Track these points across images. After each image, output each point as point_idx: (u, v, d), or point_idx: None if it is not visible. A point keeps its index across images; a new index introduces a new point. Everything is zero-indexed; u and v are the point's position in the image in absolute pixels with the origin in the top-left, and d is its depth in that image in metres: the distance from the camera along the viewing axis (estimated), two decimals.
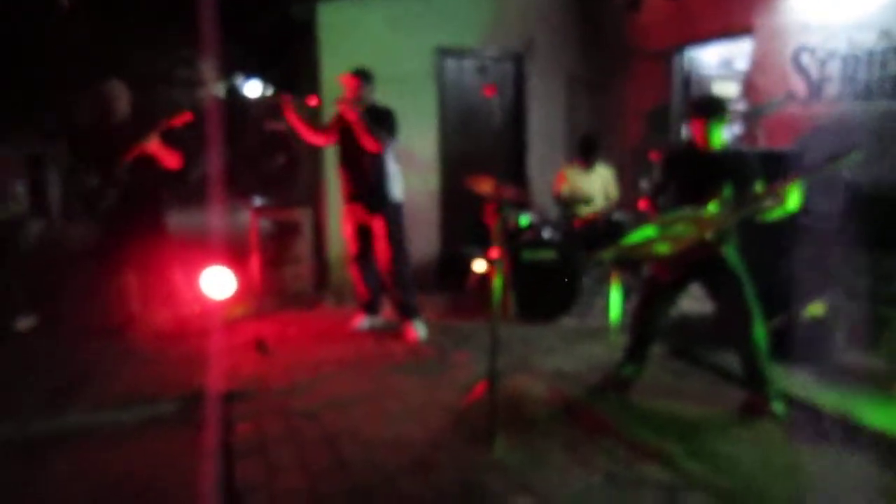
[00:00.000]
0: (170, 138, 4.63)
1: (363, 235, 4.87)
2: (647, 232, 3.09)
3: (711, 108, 3.48)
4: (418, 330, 4.84)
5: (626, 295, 5.17)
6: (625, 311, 4.91)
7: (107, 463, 3.07)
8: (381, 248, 4.78)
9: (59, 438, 3.34)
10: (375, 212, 4.75)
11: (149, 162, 4.56)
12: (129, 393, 3.87)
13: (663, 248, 3.19)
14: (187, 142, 4.83)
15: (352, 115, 4.52)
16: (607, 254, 3.07)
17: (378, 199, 4.74)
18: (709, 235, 3.35)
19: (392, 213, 4.77)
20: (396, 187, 4.80)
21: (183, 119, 4.63)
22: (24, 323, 5.09)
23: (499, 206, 3.31)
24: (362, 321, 5.11)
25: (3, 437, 3.36)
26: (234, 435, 3.29)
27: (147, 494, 2.82)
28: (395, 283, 4.83)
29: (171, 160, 4.63)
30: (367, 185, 4.73)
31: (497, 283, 3.20)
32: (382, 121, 4.63)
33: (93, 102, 4.60)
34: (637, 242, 3.05)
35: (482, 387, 3.31)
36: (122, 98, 4.63)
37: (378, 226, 4.76)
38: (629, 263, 4.98)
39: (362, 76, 4.71)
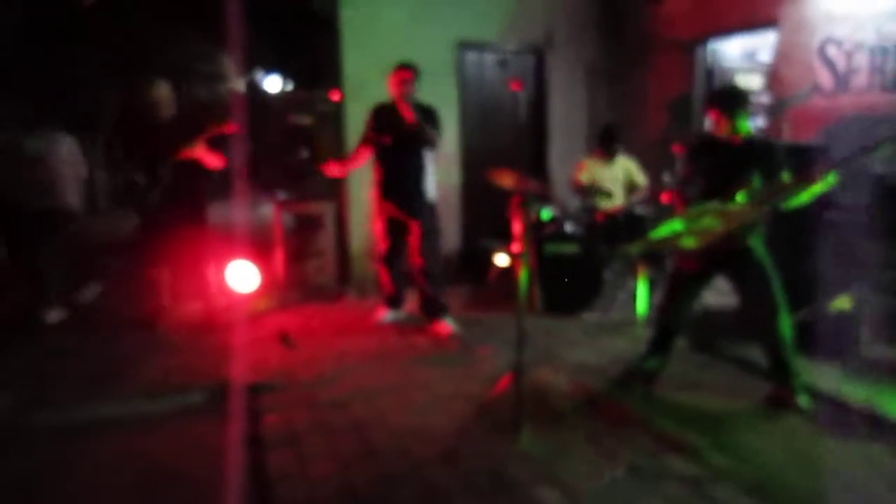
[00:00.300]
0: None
1: (395, 233, 4.84)
2: (674, 226, 3.09)
3: (733, 101, 3.47)
4: (449, 325, 4.83)
5: (650, 288, 5.18)
6: (649, 305, 4.92)
7: (139, 451, 3.14)
8: (415, 246, 4.76)
9: (93, 427, 3.42)
10: (412, 211, 4.72)
11: (191, 161, 4.65)
12: (160, 383, 3.95)
13: (690, 242, 3.19)
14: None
15: (409, 113, 4.48)
16: (634, 248, 3.09)
17: (416, 198, 4.72)
18: (736, 228, 3.34)
19: (428, 213, 4.77)
20: (432, 186, 4.81)
21: (230, 128, 4.69)
22: (54, 316, 5.19)
23: (523, 200, 3.32)
24: (386, 314, 5.13)
25: (39, 424, 3.45)
26: (263, 425, 3.35)
27: (179, 482, 2.88)
28: (428, 281, 4.81)
29: (214, 161, 4.71)
30: (405, 184, 4.70)
31: (523, 276, 3.22)
32: (430, 118, 4.60)
33: (139, 101, 4.68)
34: (664, 236, 3.06)
35: (507, 379, 3.34)
36: (167, 98, 4.72)
37: (414, 225, 4.74)
38: (653, 257, 4.98)
39: (416, 70, 4.62)
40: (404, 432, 3.24)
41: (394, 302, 5.14)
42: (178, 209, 4.68)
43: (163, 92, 4.69)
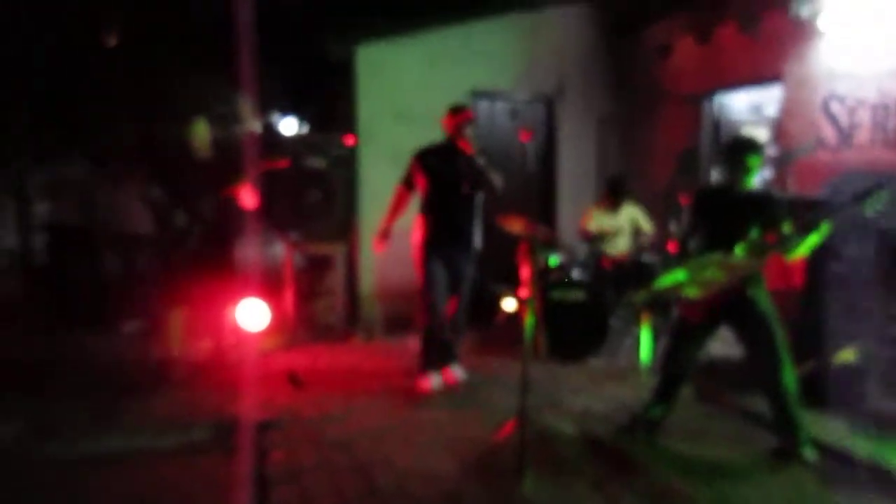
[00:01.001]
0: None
1: (443, 283, 4.52)
2: (677, 276, 3.15)
3: (748, 149, 3.56)
4: (457, 373, 4.70)
5: (656, 336, 5.20)
6: (654, 353, 4.94)
7: (145, 485, 3.17)
8: (453, 295, 4.59)
9: (101, 459, 3.46)
10: (465, 260, 4.55)
11: (229, 201, 4.72)
12: (167, 418, 3.98)
13: (693, 292, 3.25)
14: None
15: (469, 149, 4.38)
16: (639, 296, 3.14)
17: (470, 246, 4.56)
18: (739, 279, 3.39)
19: (474, 260, 4.63)
20: (479, 233, 4.65)
21: (282, 163, 4.81)
22: (130, 326, 5.33)
23: (532, 246, 3.40)
24: (434, 381, 4.61)
25: (48, 455, 3.48)
26: (268, 462, 3.37)
27: None
28: (453, 327, 4.64)
29: (250, 200, 4.72)
30: (461, 232, 4.51)
31: (529, 321, 3.27)
32: (490, 161, 4.47)
33: (184, 139, 4.85)
34: (668, 286, 3.11)
35: (512, 423, 3.36)
36: (208, 136, 4.90)
37: (461, 274, 4.55)
38: (658, 305, 5.02)
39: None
40: (408, 473, 3.26)
41: (439, 362, 4.67)
42: (213, 248, 4.80)
43: (203, 132, 4.87)
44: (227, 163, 4.77)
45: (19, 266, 9.42)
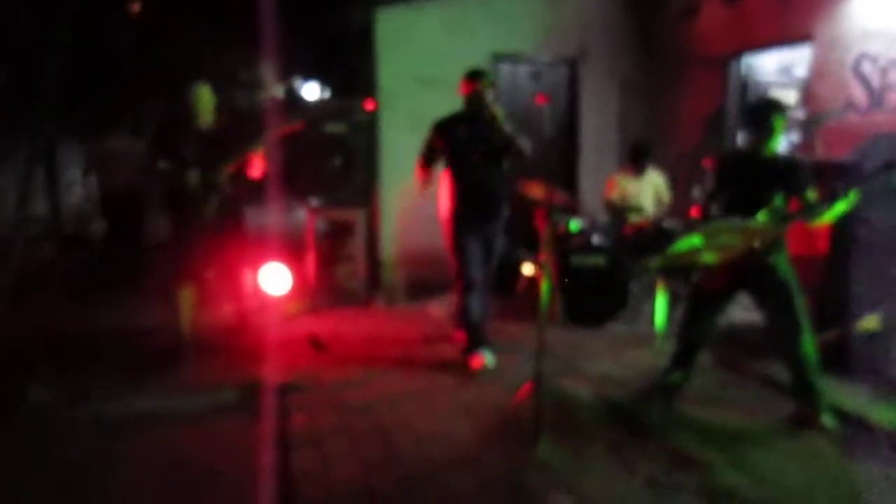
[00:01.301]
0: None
1: (480, 255, 4.34)
2: (693, 241, 3.13)
3: (773, 107, 3.49)
4: (486, 358, 4.37)
5: (675, 302, 5.17)
6: (671, 319, 4.92)
7: (173, 446, 3.28)
8: (488, 266, 4.43)
9: (128, 422, 3.57)
10: (497, 229, 4.40)
11: (240, 170, 4.55)
12: (193, 382, 4.09)
13: (710, 258, 3.22)
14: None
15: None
16: (655, 262, 3.12)
17: (498, 214, 4.39)
18: (757, 245, 3.35)
19: (503, 230, 4.47)
20: (507, 202, 4.48)
21: (296, 128, 4.57)
22: None
23: (549, 211, 3.39)
24: (488, 358, 4.35)
25: (81, 418, 3.61)
26: (290, 425, 3.46)
27: (207, 477, 3.00)
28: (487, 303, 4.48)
29: (258, 170, 4.55)
30: (493, 200, 4.33)
31: (544, 287, 3.28)
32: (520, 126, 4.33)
33: (183, 106, 4.53)
34: (683, 251, 3.09)
35: (528, 387, 3.40)
36: (210, 102, 4.54)
37: (493, 243, 4.40)
38: (679, 271, 4.98)
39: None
40: (426, 437, 3.33)
41: (484, 338, 4.44)
42: (226, 218, 4.57)
43: (206, 94, 4.53)
44: (242, 130, 4.61)
45: (51, 234, 9.65)
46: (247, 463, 3.01)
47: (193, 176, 4.38)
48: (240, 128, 4.60)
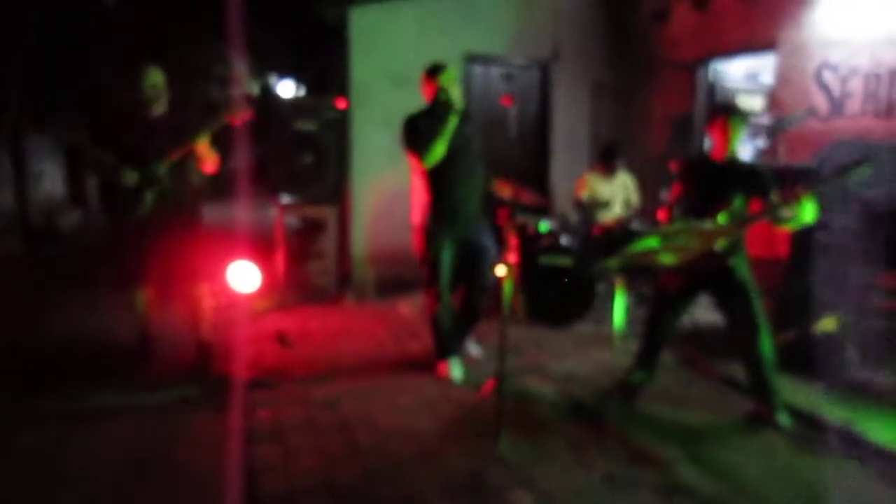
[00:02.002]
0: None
1: (457, 260, 4.19)
2: (650, 242, 3.18)
3: (730, 111, 3.58)
4: (454, 370, 4.21)
5: (640, 302, 5.25)
6: (634, 319, 5.00)
7: (132, 439, 3.26)
8: (475, 270, 4.23)
9: (88, 415, 3.53)
10: (478, 231, 4.22)
11: (191, 162, 4.08)
12: (158, 377, 4.05)
13: (668, 259, 3.28)
14: (219, 138, 4.64)
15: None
16: (612, 262, 3.17)
17: (480, 215, 4.25)
18: (717, 246, 3.42)
19: (488, 231, 4.30)
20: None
21: (244, 117, 4.08)
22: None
23: (512, 211, 3.43)
24: (455, 369, 4.18)
25: (42, 410, 3.57)
26: (253, 420, 3.46)
27: (168, 469, 2.99)
28: (479, 307, 4.33)
29: (209, 163, 4.12)
30: (473, 201, 4.16)
31: (506, 286, 3.32)
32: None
33: (129, 90, 4.05)
34: (640, 252, 3.15)
35: (491, 384, 3.43)
36: (162, 88, 4.08)
37: (481, 246, 4.22)
38: (643, 271, 5.06)
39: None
40: (389, 433, 3.34)
41: (457, 345, 4.33)
42: (173, 218, 4.04)
43: (158, 81, 4.03)
44: (189, 118, 4.10)
45: (15, 227, 9.48)
46: (209, 456, 3.02)
47: (129, 168, 3.92)
48: (189, 118, 4.10)
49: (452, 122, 3.92)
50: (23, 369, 4.18)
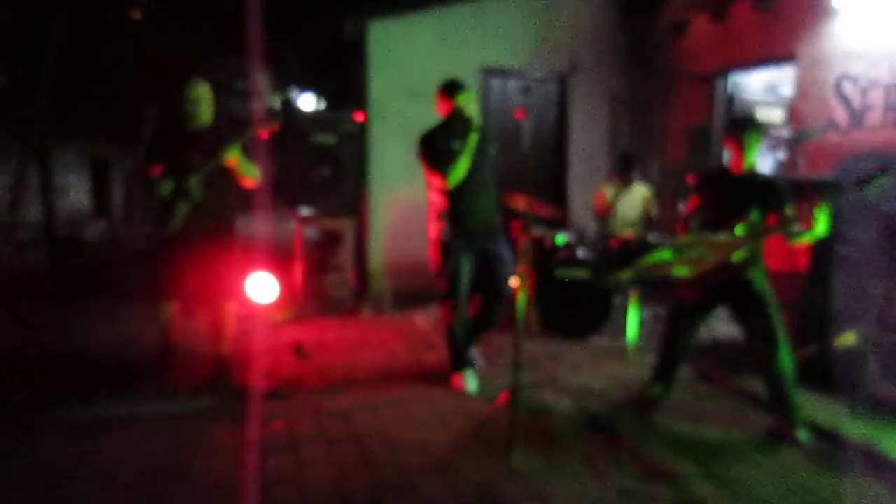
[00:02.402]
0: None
1: (474, 272, 4.18)
2: (663, 254, 3.16)
3: (746, 124, 3.56)
4: (469, 381, 4.21)
5: (657, 316, 5.20)
6: (649, 332, 4.95)
7: (150, 450, 3.29)
8: (494, 279, 4.23)
9: (106, 424, 3.57)
10: (497, 243, 4.23)
11: (227, 176, 4.08)
12: (175, 388, 4.10)
13: (682, 271, 3.26)
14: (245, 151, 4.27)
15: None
16: (625, 274, 3.15)
17: (497, 227, 4.25)
18: (735, 258, 3.39)
19: (505, 242, 4.27)
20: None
21: (271, 129, 4.08)
22: None
23: (526, 223, 3.43)
24: (470, 380, 4.20)
25: (63, 419, 3.62)
26: (268, 430, 3.48)
27: (184, 481, 3.00)
28: (493, 318, 4.35)
29: (248, 179, 4.14)
30: (489, 214, 4.19)
31: (520, 298, 3.32)
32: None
33: (178, 104, 4.11)
34: (654, 264, 3.13)
35: (504, 397, 3.42)
36: (208, 100, 4.13)
37: (499, 257, 4.21)
38: (660, 285, 5.02)
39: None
40: (402, 445, 3.34)
41: (470, 357, 4.34)
42: (205, 230, 4.04)
43: (203, 93, 4.09)
44: (227, 131, 4.12)
45: (42, 238, 9.68)
46: (224, 466, 3.05)
47: (165, 180, 3.99)
48: (219, 133, 4.11)
49: (473, 139, 3.96)
50: (46, 378, 4.25)
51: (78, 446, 3.29)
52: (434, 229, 4.17)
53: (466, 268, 4.12)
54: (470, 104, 4.11)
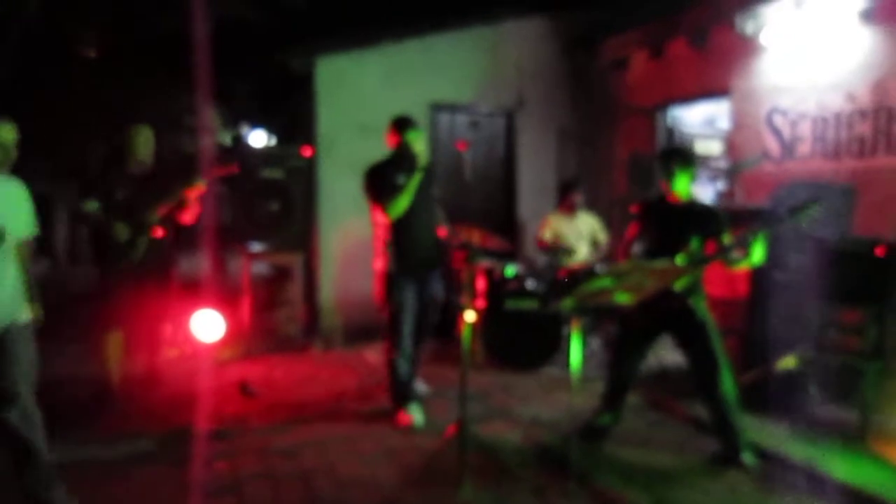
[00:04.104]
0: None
1: (417, 304, 4.22)
2: (603, 282, 3.22)
3: (671, 160, 3.66)
4: (415, 415, 4.19)
5: (605, 344, 5.25)
6: (598, 361, 4.99)
7: (84, 497, 3.14)
8: (426, 315, 4.31)
9: None
10: (434, 277, 4.32)
11: (171, 215, 4.40)
12: (114, 430, 3.95)
13: (624, 298, 3.32)
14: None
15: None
16: (566, 303, 3.18)
17: (439, 262, 4.34)
18: (677, 287, 3.46)
19: (440, 275, 4.40)
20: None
21: (229, 170, 4.47)
22: None
23: (469, 254, 3.45)
24: (416, 415, 4.16)
25: None
26: (210, 472, 3.37)
27: None
28: (421, 349, 4.42)
29: (189, 214, 4.46)
30: (432, 248, 4.26)
31: (465, 330, 3.32)
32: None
33: (120, 148, 4.41)
34: (594, 291, 3.17)
35: (452, 429, 3.39)
36: (150, 145, 4.44)
37: (433, 293, 4.32)
38: (609, 314, 5.08)
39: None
40: (350, 482, 3.28)
41: (413, 394, 4.31)
42: (155, 265, 4.37)
43: (149, 140, 4.41)
44: (176, 173, 4.48)
45: None
46: None
47: (120, 220, 4.22)
48: (174, 170, 4.47)
49: (417, 178, 4.05)
50: None
51: (9, 495, 3.12)
52: (379, 262, 4.20)
53: (411, 302, 4.14)
54: (418, 142, 4.21)
